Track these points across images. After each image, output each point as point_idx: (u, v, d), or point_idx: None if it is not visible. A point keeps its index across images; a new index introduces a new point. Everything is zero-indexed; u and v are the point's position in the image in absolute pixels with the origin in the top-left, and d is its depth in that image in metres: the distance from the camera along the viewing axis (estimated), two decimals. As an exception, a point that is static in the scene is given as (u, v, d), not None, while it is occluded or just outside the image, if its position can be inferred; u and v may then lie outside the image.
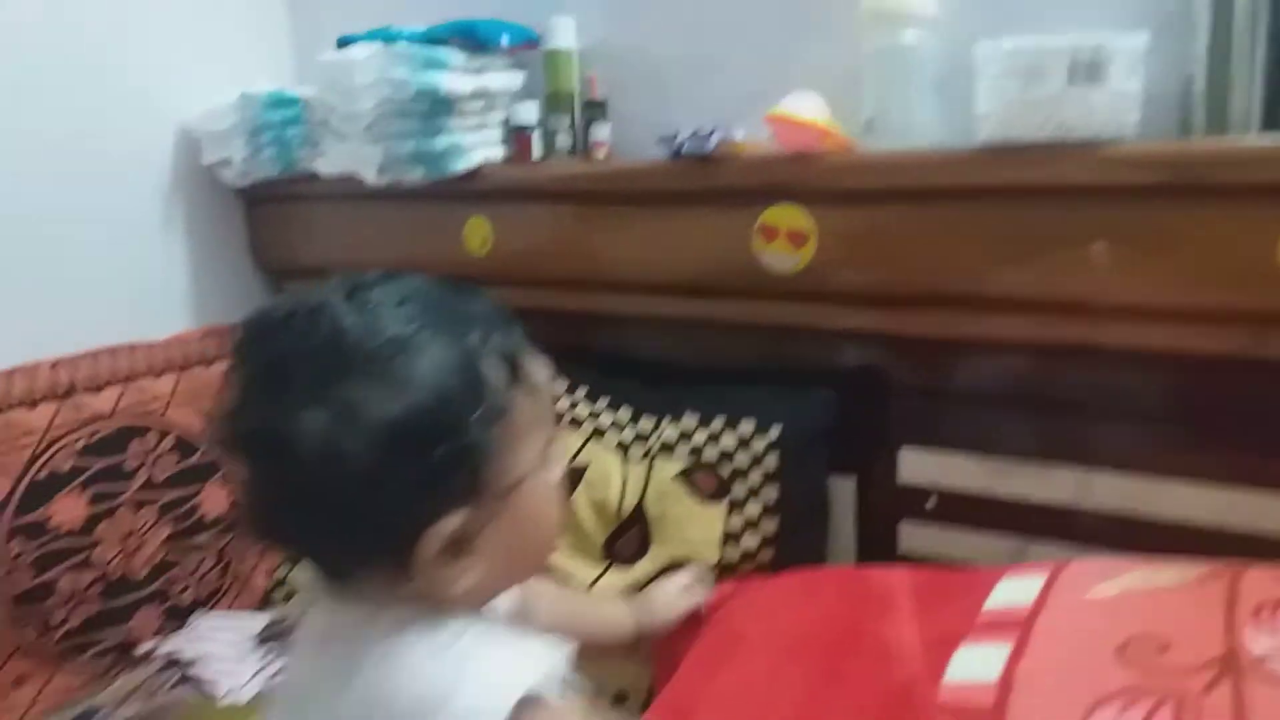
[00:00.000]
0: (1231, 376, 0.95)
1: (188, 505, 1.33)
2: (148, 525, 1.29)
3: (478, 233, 1.34)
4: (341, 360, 0.61)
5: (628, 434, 1.21)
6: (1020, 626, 0.80)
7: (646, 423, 1.21)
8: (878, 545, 1.14)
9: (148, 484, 1.30)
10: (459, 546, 0.64)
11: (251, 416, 0.63)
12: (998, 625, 0.81)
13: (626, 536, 1.16)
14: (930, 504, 1.12)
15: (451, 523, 0.63)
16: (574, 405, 1.24)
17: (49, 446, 1.23)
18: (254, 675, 1.20)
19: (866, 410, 1.14)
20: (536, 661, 0.63)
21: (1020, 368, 1.06)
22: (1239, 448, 0.96)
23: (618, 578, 1.14)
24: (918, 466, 1.14)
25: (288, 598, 1.38)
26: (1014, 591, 0.86)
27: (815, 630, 0.91)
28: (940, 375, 1.11)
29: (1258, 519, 0.95)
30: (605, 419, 1.22)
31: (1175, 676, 0.70)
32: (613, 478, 1.18)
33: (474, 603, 0.68)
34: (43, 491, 1.22)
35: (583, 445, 1.21)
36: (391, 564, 0.63)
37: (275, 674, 1.19)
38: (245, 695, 1.16)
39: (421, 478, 0.61)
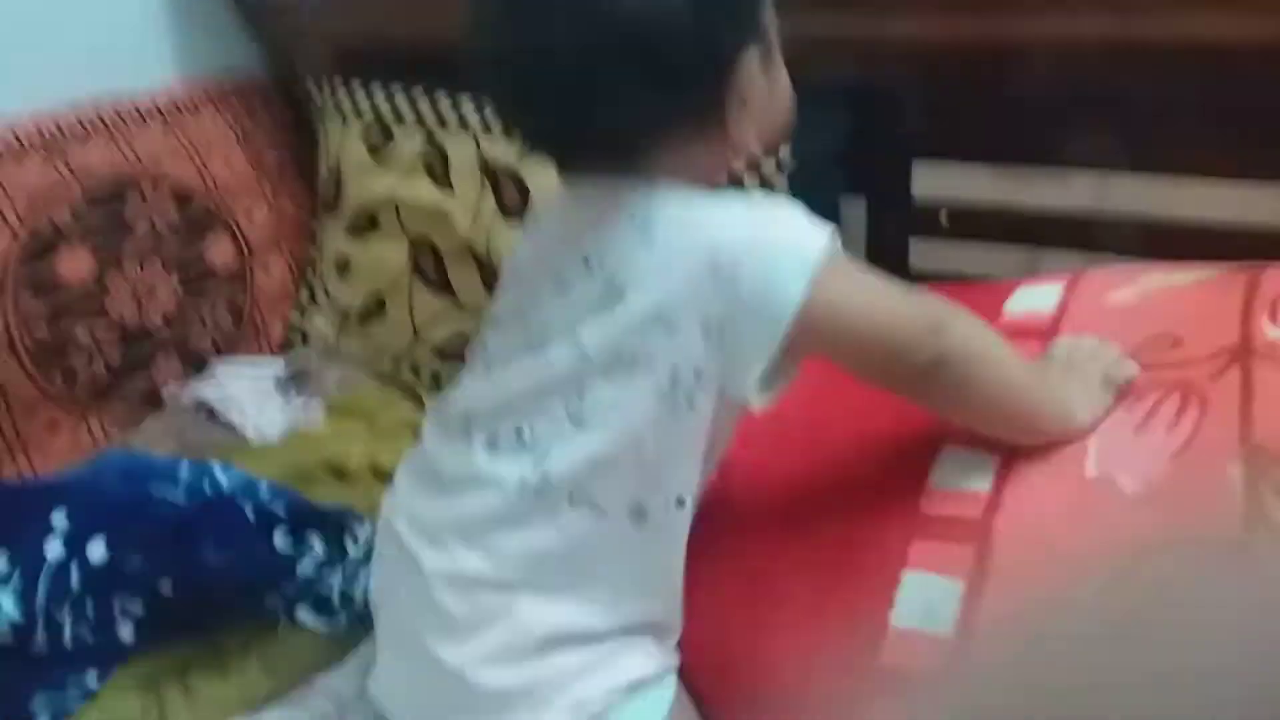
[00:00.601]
0: (1260, 67, 0.89)
1: (194, 256, 1.32)
2: (157, 276, 1.29)
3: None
4: None
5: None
6: (1043, 334, 0.80)
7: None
8: (889, 264, 1.12)
9: (151, 235, 1.29)
10: (744, 95, 0.68)
11: None
12: (1020, 332, 0.80)
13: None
14: (943, 219, 1.10)
15: (752, 57, 0.68)
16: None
17: (46, 200, 1.21)
18: (279, 415, 1.23)
19: (878, 127, 1.10)
20: (822, 224, 0.67)
21: (1040, 70, 1.00)
22: (1264, 142, 0.92)
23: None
24: (931, 181, 1.11)
25: (304, 343, 1.40)
26: (1033, 298, 0.85)
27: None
28: (956, 85, 1.06)
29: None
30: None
31: (1183, 368, 0.71)
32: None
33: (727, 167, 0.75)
34: (46, 246, 1.21)
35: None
36: (693, 120, 0.68)
37: (301, 415, 1.23)
38: (274, 434, 1.20)
39: (728, 17, 0.66)
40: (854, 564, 0.72)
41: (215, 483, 0.91)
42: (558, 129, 0.70)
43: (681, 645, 0.74)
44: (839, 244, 0.67)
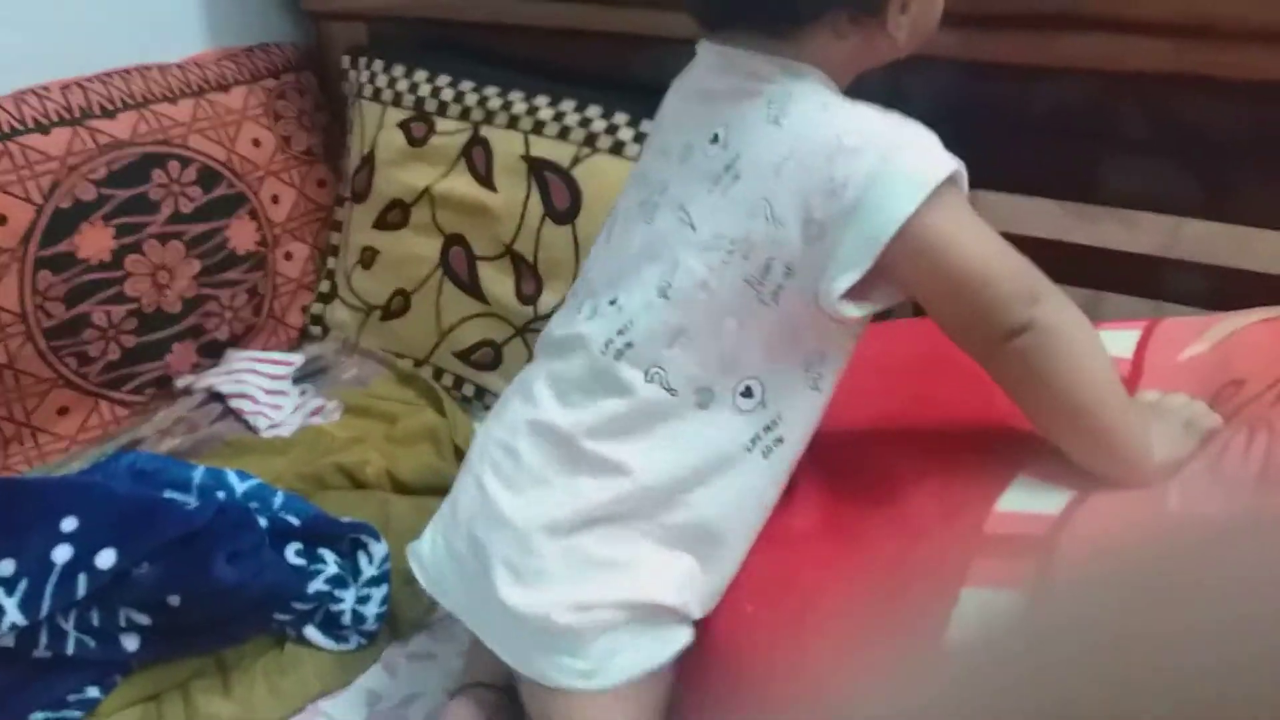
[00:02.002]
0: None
1: (216, 239, 1.28)
2: (177, 258, 1.24)
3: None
4: None
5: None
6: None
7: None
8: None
9: (174, 216, 1.24)
10: None
11: None
12: None
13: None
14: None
15: None
16: (640, 137, 1.14)
17: (69, 173, 1.17)
18: (294, 411, 1.20)
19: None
20: (953, 158, 0.65)
21: (1113, 100, 0.95)
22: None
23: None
24: (993, 211, 1.06)
25: (324, 335, 1.36)
26: (1111, 342, 0.82)
27: (901, 360, 0.87)
28: (1023, 110, 1.01)
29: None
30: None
31: (1248, 404, 0.69)
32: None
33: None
34: (67, 222, 1.17)
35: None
36: (856, 3, 0.67)
37: (313, 412, 1.19)
38: (286, 430, 1.16)
39: None
40: (910, 583, 0.69)
41: (230, 490, 0.87)
42: None
43: (706, 638, 0.71)
44: (964, 180, 0.65)
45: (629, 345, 0.68)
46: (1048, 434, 0.69)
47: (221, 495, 0.86)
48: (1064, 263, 1.00)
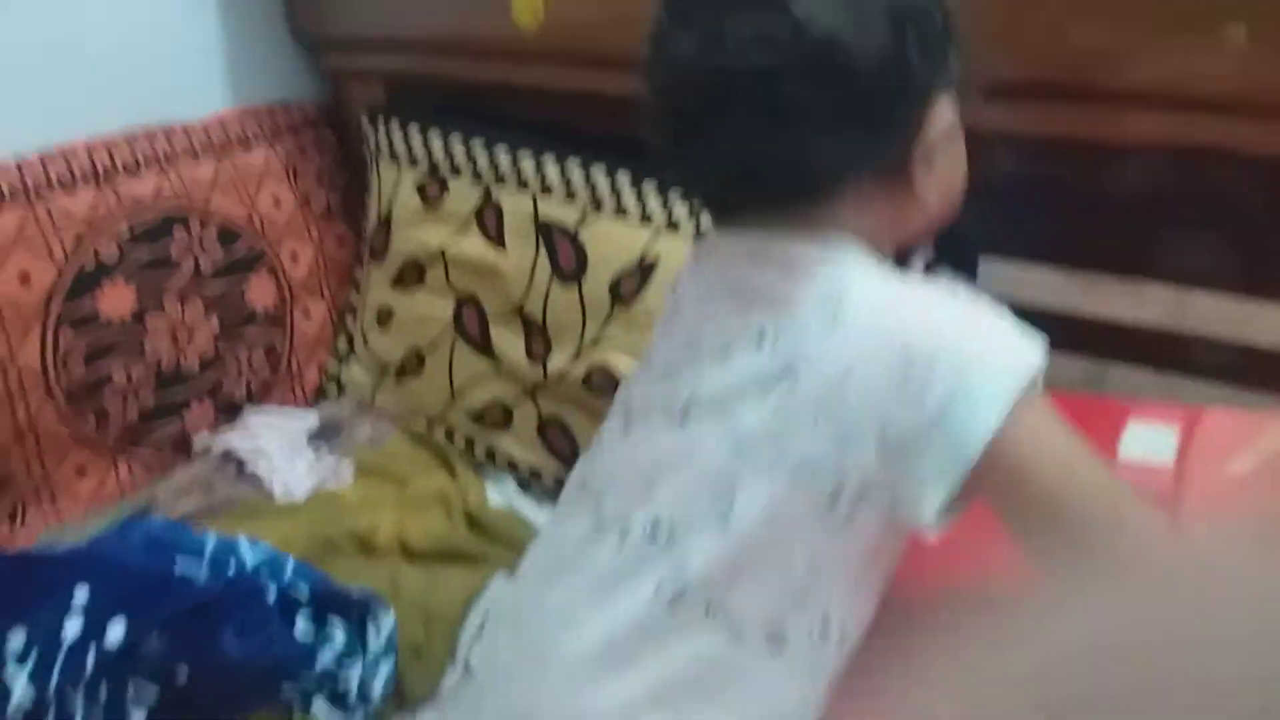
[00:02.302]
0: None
1: (235, 297, 1.30)
2: (197, 317, 1.27)
3: (527, 1, 1.21)
4: None
5: (706, 220, 1.12)
6: (1163, 499, 0.75)
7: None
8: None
9: (195, 274, 1.26)
10: (933, 146, 0.64)
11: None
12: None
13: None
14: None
15: (947, 103, 0.64)
16: (643, 200, 1.15)
17: (93, 232, 1.20)
18: (307, 473, 1.21)
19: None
20: (1033, 347, 0.60)
21: (1119, 172, 0.95)
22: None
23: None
24: (997, 279, 1.06)
25: (339, 394, 1.38)
26: (1149, 442, 0.82)
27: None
28: (1028, 180, 1.01)
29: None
30: (679, 210, 1.14)
31: None
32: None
33: (906, 237, 0.69)
34: (90, 280, 1.20)
35: (653, 238, 1.13)
36: (879, 165, 0.64)
37: (327, 474, 1.20)
38: (300, 493, 1.17)
39: (924, 51, 0.62)
40: None
41: (240, 560, 0.88)
42: (731, 161, 0.64)
43: None
44: (1043, 369, 0.60)
45: (682, 591, 0.63)
46: None
47: (233, 565, 0.87)
48: (1069, 332, 1.02)
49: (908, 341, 0.60)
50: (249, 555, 0.89)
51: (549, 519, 0.78)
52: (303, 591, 0.88)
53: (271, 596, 0.86)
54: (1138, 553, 0.58)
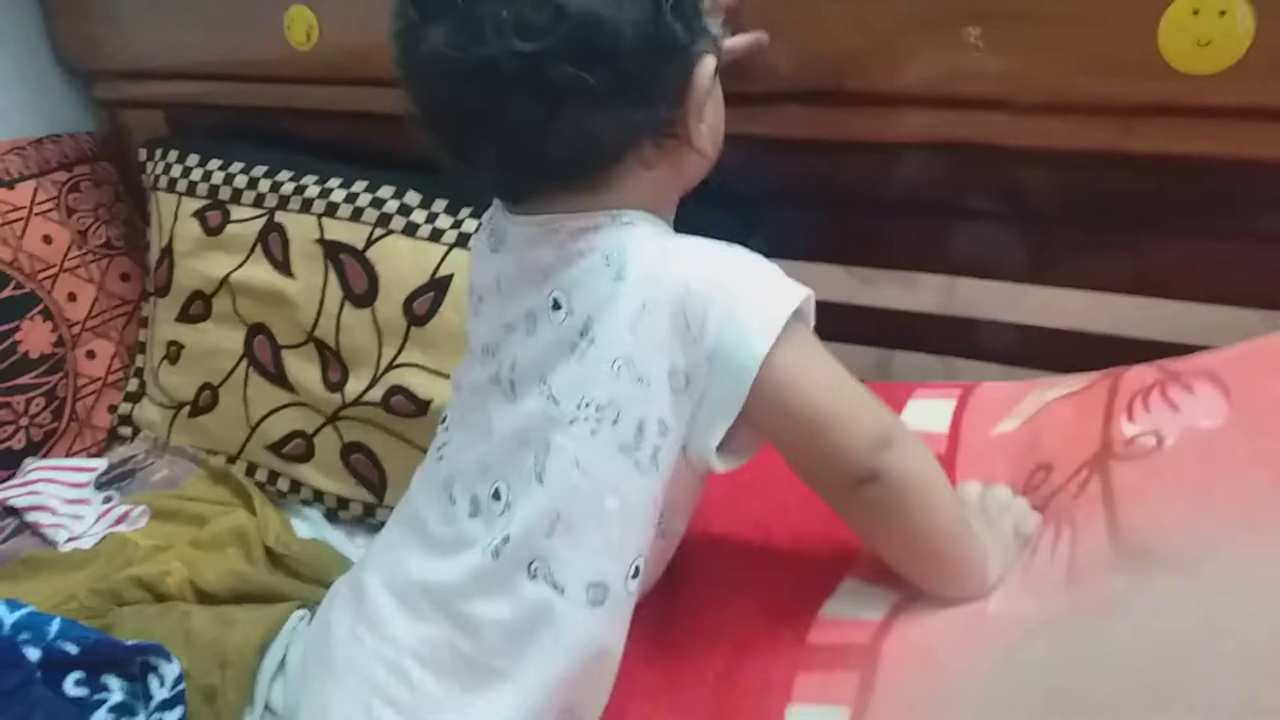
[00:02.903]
0: (1095, 174, 0.90)
1: (5, 344, 1.22)
2: (-39, 367, 1.18)
3: (301, 23, 1.19)
4: None
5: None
6: (940, 461, 0.77)
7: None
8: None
9: (-44, 322, 1.18)
10: (701, 105, 0.66)
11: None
12: None
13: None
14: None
15: (708, 64, 0.66)
16: (432, 218, 1.14)
17: None
18: (96, 520, 1.14)
19: (725, 222, 1.07)
20: (800, 286, 0.64)
21: (882, 170, 0.99)
22: (1100, 251, 0.93)
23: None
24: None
25: (133, 435, 1.31)
26: (926, 415, 0.86)
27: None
28: (802, 182, 1.04)
29: (1117, 324, 0.93)
30: (469, 226, 1.13)
31: (1054, 495, 0.71)
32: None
33: (688, 184, 0.72)
34: None
35: (445, 256, 1.11)
36: (655, 134, 0.66)
37: (118, 520, 1.13)
38: (87, 542, 1.10)
39: (682, 17, 0.63)
40: (737, 705, 0.69)
41: (-4, 624, 0.82)
42: (507, 153, 0.65)
43: None
44: (812, 310, 0.65)
45: (505, 540, 0.65)
46: (895, 568, 0.69)
47: (-15, 631, 0.81)
48: (853, 324, 1.05)
49: (685, 281, 0.63)
50: (6, 617, 0.82)
51: (401, 516, 0.78)
52: (69, 650, 0.83)
53: (33, 658, 0.81)
54: (900, 471, 0.63)
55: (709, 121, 0.68)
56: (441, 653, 0.67)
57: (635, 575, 0.66)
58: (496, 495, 0.68)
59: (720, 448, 0.64)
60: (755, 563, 0.79)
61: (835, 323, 1.04)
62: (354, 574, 0.80)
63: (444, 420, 0.79)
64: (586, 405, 0.64)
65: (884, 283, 1.03)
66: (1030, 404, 0.82)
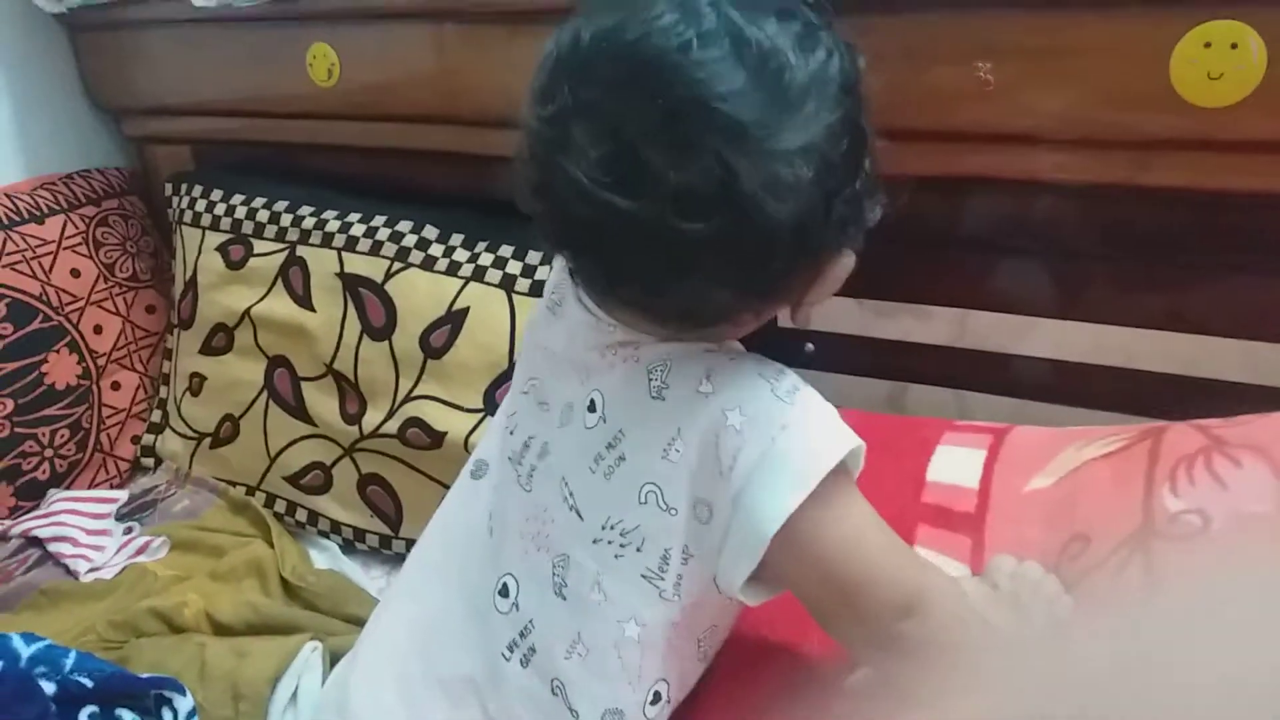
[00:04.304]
0: (1114, 208, 0.89)
1: (32, 375, 1.24)
2: (-13, 400, 1.20)
3: (323, 60, 1.21)
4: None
5: (513, 268, 1.12)
6: (970, 526, 0.77)
7: (535, 258, 1.12)
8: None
9: (-16, 355, 1.20)
10: (825, 281, 0.61)
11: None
12: (946, 520, 0.78)
13: (507, 384, 1.09)
14: (808, 349, 1.07)
15: (848, 263, 0.61)
16: (449, 251, 1.15)
17: None
18: (117, 551, 1.15)
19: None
20: (846, 436, 0.59)
21: (897, 203, 0.99)
22: (1119, 285, 0.92)
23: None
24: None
25: (156, 466, 1.32)
26: (955, 466, 0.83)
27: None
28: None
29: (1132, 358, 0.92)
30: (486, 259, 1.14)
31: (1090, 573, 0.68)
32: (499, 321, 1.10)
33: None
34: None
35: (461, 289, 1.12)
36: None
37: (138, 550, 1.14)
38: (108, 573, 1.11)
39: (843, 219, 0.58)
40: None
41: (12, 657, 0.83)
42: (610, 277, 0.60)
43: None
44: (860, 458, 0.60)
45: (533, 651, 0.64)
46: None
47: (1, 664, 0.82)
48: (866, 356, 1.05)
49: (724, 411, 0.59)
50: (23, 650, 0.83)
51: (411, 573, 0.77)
52: (85, 683, 0.83)
53: (49, 692, 0.81)
54: (922, 637, 0.59)
55: (827, 290, 0.62)
56: None
57: (655, 702, 0.64)
58: (505, 592, 0.66)
59: (751, 580, 0.60)
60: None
61: (848, 355, 1.06)
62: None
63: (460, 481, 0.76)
64: (612, 528, 0.61)
65: (897, 315, 1.02)
66: (1065, 460, 0.79)
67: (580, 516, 0.63)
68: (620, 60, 0.54)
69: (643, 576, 0.61)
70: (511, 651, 0.65)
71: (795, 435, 0.58)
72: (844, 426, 0.60)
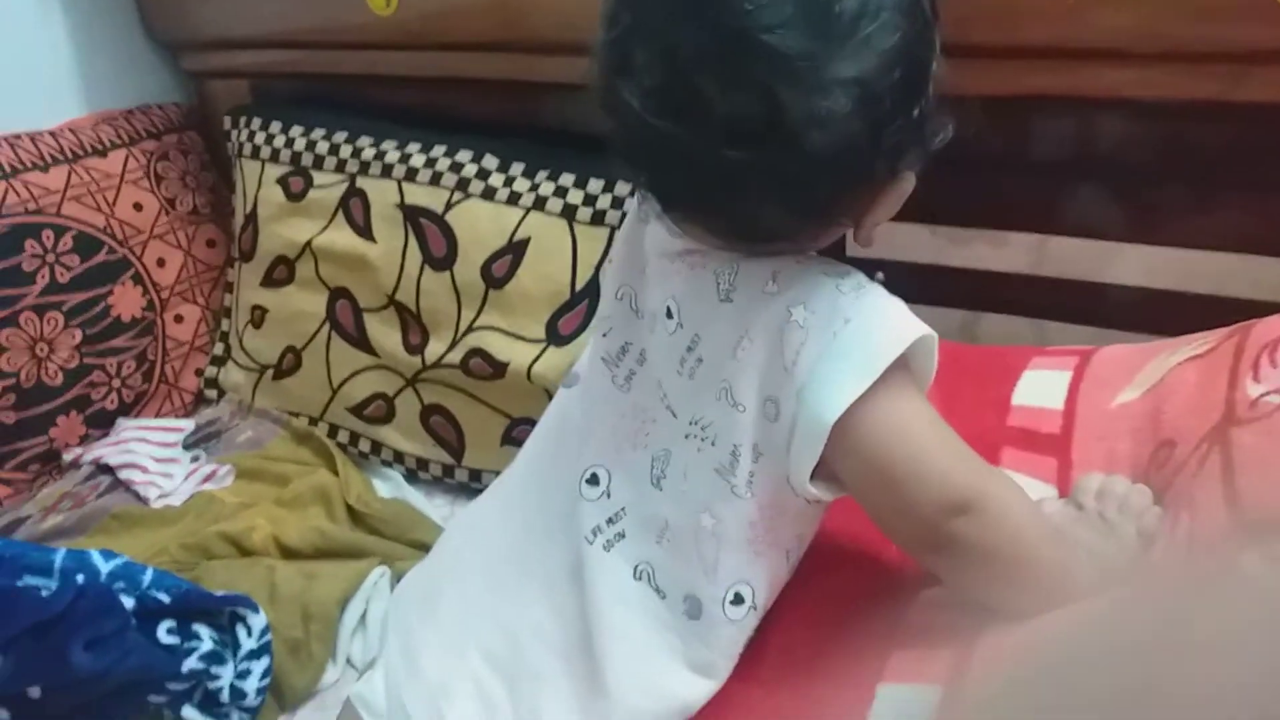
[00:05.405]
0: (1199, 127, 0.86)
1: (98, 307, 1.25)
2: (56, 330, 1.21)
3: (382, -11, 1.19)
4: None
5: (574, 197, 1.11)
6: (1055, 448, 0.76)
7: (596, 187, 1.10)
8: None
9: (50, 286, 1.21)
10: (891, 198, 0.61)
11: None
12: (1032, 442, 0.77)
13: (570, 315, 1.10)
14: (878, 278, 1.05)
15: (908, 184, 0.61)
16: (509, 181, 1.14)
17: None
18: (185, 479, 1.17)
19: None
20: (913, 326, 0.59)
21: (973, 125, 0.96)
22: (1200, 208, 0.89)
23: (557, 358, 1.08)
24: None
25: (219, 398, 1.34)
26: (1041, 389, 0.81)
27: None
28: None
29: (1218, 284, 0.89)
30: (546, 189, 1.12)
31: (1175, 474, 0.67)
32: (561, 251, 1.09)
33: None
34: (-63, 299, 1.14)
35: (522, 219, 1.11)
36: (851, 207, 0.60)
37: (205, 478, 1.16)
38: (177, 499, 1.13)
39: (897, 148, 0.57)
40: (828, 682, 0.66)
41: (93, 572, 0.84)
42: (676, 197, 0.62)
43: None
44: (932, 351, 0.60)
45: (620, 536, 0.67)
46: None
47: (82, 578, 0.83)
48: (939, 285, 1.03)
49: (788, 307, 0.59)
50: (102, 566, 0.85)
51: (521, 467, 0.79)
52: (163, 599, 0.85)
53: (128, 605, 0.83)
54: (975, 540, 0.58)
55: (891, 206, 0.62)
56: (551, 631, 0.69)
57: (737, 603, 0.65)
58: (594, 480, 0.69)
59: (819, 477, 0.61)
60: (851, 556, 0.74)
61: (920, 284, 1.03)
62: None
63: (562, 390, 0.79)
64: (695, 423, 0.64)
65: (972, 242, 1.00)
66: (1155, 370, 0.77)
67: (674, 415, 0.66)
68: None
69: (715, 470, 0.63)
70: (595, 535, 0.68)
71: (858, 328, 0.58)
72: (912, 318, 0.59)
